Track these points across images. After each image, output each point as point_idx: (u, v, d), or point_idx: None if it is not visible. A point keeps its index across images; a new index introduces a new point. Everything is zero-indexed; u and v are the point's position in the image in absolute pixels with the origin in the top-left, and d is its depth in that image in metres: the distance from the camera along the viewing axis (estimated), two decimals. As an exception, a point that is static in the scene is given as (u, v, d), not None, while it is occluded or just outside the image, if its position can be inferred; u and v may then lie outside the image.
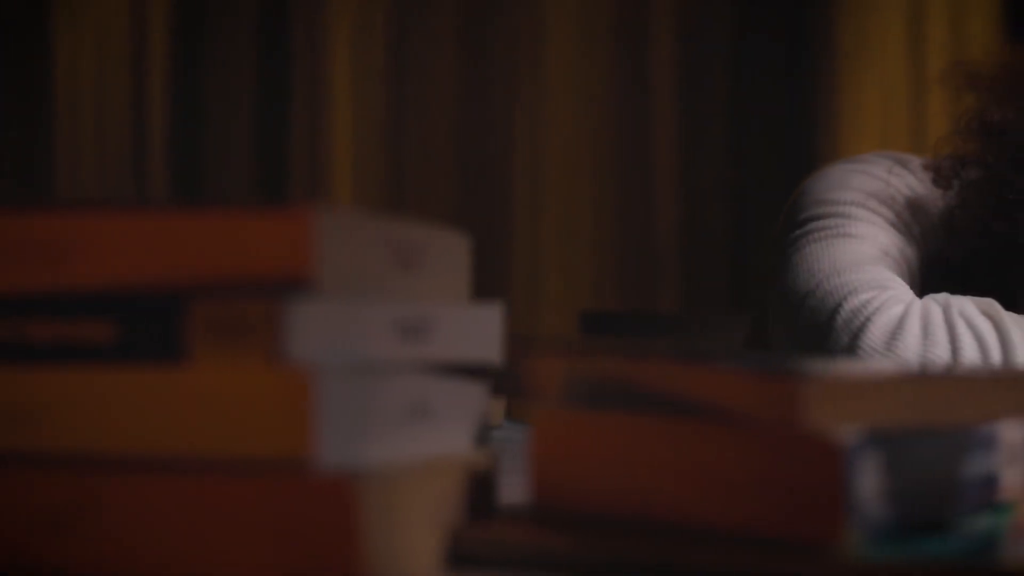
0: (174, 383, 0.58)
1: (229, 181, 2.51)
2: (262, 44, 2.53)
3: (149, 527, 0.58)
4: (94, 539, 0.58)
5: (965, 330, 1.01)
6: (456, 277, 0.71)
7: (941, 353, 1.00)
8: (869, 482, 0.63)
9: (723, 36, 2.58)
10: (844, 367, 0.67)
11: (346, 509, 0.57)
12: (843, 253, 1.10)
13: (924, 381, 0.65)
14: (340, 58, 2.53)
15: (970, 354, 1.00)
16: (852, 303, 1.04)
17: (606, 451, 0.67)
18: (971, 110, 1.16)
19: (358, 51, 2.53)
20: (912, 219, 1.17)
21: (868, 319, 1.02)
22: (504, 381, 0.77)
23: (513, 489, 0.72)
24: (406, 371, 0.64)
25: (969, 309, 1.03)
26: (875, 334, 1.01)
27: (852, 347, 1.01)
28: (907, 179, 1.19)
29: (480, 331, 0.71)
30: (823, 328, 1.04)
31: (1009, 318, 1.04)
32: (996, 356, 1.01)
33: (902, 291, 1.06)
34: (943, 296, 1.05)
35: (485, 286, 2.49)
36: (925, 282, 1.16)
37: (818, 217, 1.16)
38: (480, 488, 0.69)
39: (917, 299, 1.04)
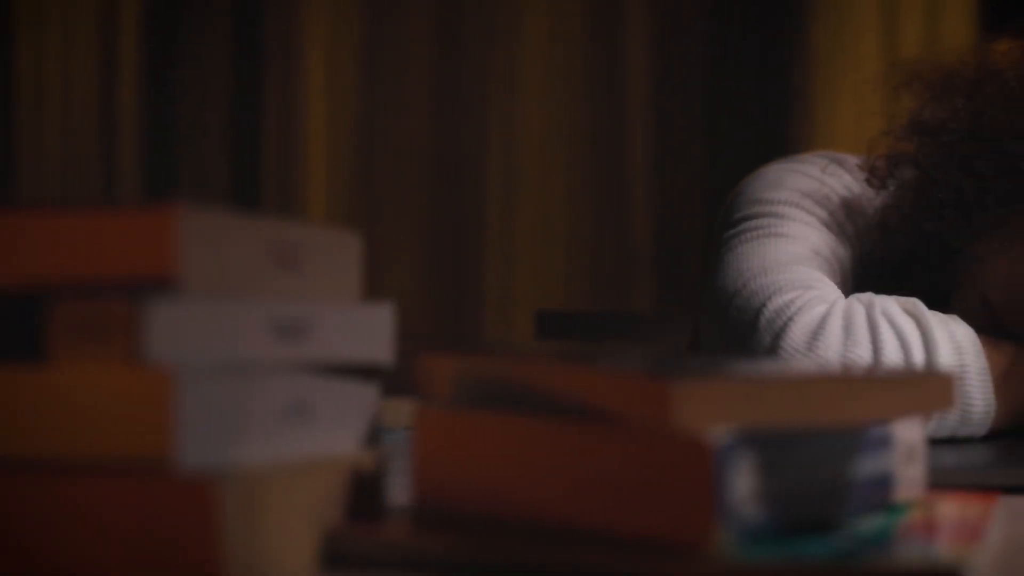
0: (35, 384, 0.58)
1: (202, 180, 2.51)
2: (235, 44, 2.53)
3: (14, 527, 0.58)
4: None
5: (887, 329, 1.01)
6: (343, 277, 0.71)
7: (863, 353, 1.00)
8: (742, 483, 0.62)
9: (698, 35, 2.58)
10: (721, 368, 0.66)
11: (204, 510, 0.57)
12: (772, 253, 1.10)
13: (805, 382, 0.65)
14: (314, 57, 2.53)
15: (892, 353, 1.00)
16: (776, 303, 1.03)
17: (487, 452, 0.66)
18: (906, 110, 1.15)
19: (332, 50, 2.53)
20: (846, 218, 1.17)
21: (790, 319, 1.02)
22: (404, 381, 0.77)
23: (407, 490, 0.72)
24: (283, 371, 0.64)
25: (892, 308, 1.02)
26: (796, 334, 1.01)
27: (774, 347, 1.01)
28: (843, 178, 1.19)
29: (368, 331, 0.71)
30: (747, 328, 1.03)
31: (933, 317, 1.03)
32: (919, 355, 1.01)
33: (827, 291, 1.06)
34: (867, 295, 1.05)
35: (459, 286, 2.48)
36: (860, 282, 1.15)
37: (751, 217, 1.16)
38: (367, 489, 0.69)
39: (841, 299, 1.04)
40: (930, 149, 1.12)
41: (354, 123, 2.54)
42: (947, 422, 1.02)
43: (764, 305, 1.03)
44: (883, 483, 0.73)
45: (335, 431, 0.68)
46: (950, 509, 0.75)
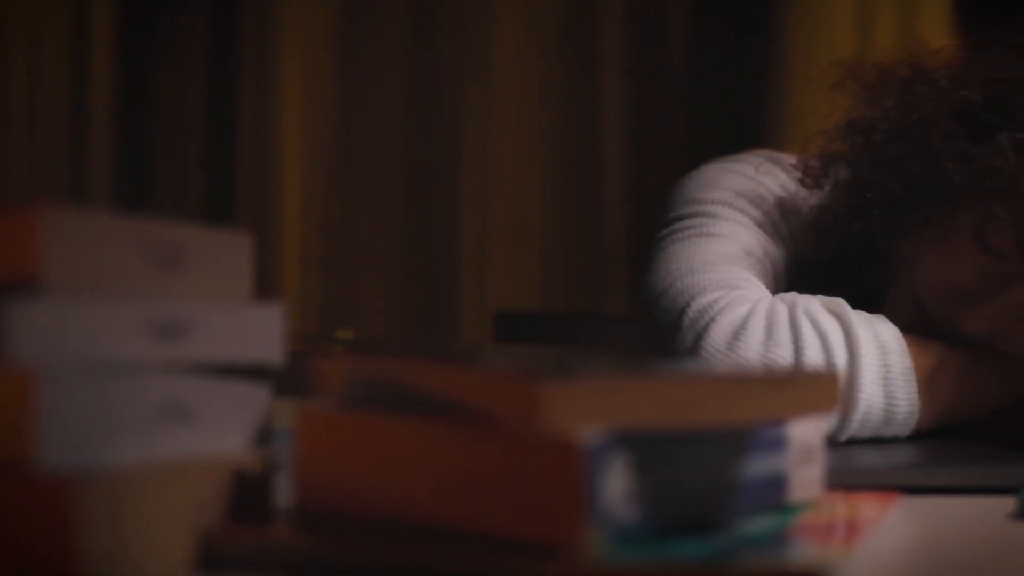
0: None
1: (177, 184, 2.51)
2: (210, 47, 2.53)
3: None
4: None
5: (809, 329, 1.00)
6: (231, 277, 0.71)
7: (784, 353, 0.99)
8: (616, 484, 0.62)
9: (673, 35, 2.57)
10: (602, 368, 0.66)
11: (62, 510, 0.57)
12: (701, 253, 1.09)
13: (680, 383, 0.65)
14: (289, 61, 2.52)
15: (813, 353, 0.99)
16: (699, 303, 1.03)
17: (366, 452, 0.66)
18: (840, 109, 1.15)
19: (306, 54, 2.53)
20: (781, 218, 1.16)
21: (712, 319, 1.01)
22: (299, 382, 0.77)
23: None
24: (159, 371, 0.64)
25: (815, 308, 1.02)
26: (718, 335, 1.00)
27: (696, 348, 1.00)
28: (779, 178, 1.19)
29: (256, 331, 0.70)
30: (672, 328, 1.03)
31: (857, 317, 1.03)
32: (841, 355, 1.00)
33: (752, 291, 1.05)
34: (791, 295, 1.04)
35: (433, 287, 2.48)
36: (795, 281, 1.15)
37: (684, 216, 1.16)
38: (252, 490, 0.68)
39: (766, 299, 1.03)
40: (861, 149, 1.12)
41: (329, 126, 2.54)
42: (871, 422, 1.01)
43: (688, 305, 1.03)
44: (776, 484, 0.73)
45: (218, 432, 0.68)
46: (843, 510, 0.74)
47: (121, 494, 0.59)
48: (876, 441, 1.03)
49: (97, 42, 2.48)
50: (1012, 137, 1.02)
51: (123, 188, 2.48)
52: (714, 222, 1.13)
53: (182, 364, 0.65)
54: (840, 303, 1.03)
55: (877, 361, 1.01)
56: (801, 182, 1.15)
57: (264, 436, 0.71)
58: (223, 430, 0.68)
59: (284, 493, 0.71)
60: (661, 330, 1.04)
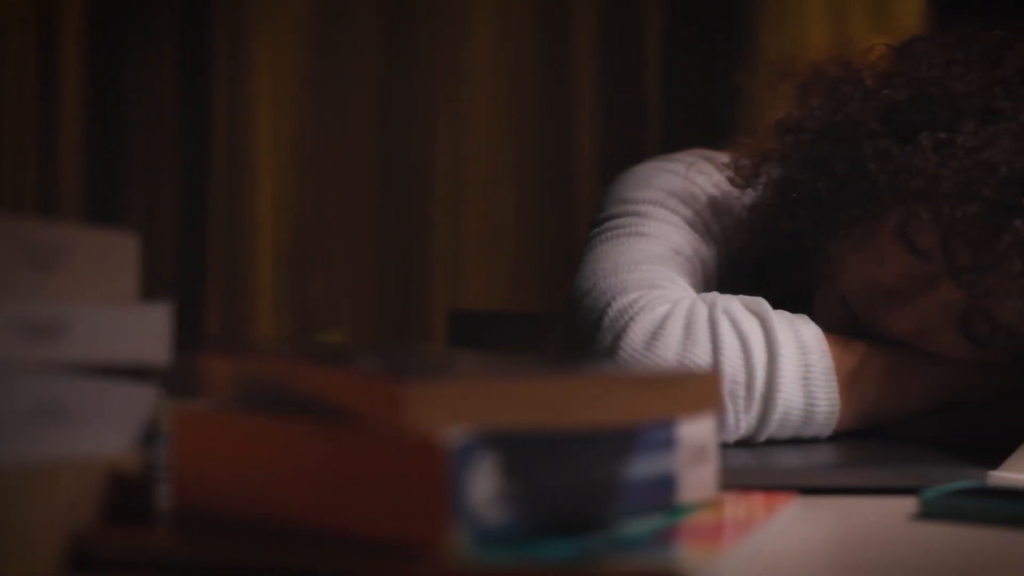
0: None
1: (149, 185, 2.50)
2: (182, 53, 2.52)
3: None
4: None
5: (728, 329, 1.00)
6: (114, 277, 0.70)
7: (701, 353, 0.99)
8: (483, 484, 0.62)
9: (646, 36, 2.57)
10: (465, 370, 0.66)
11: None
12: (628, 252, 1.09)
13: (551, 383, 0.64)
14: (261, 62, 2.52)
15: (732, 353, 0.99)
16: (619, 303, 1.02)
17: (241, 453, 0.66)
18: (773, 109, 1.15)
19: (279, 54, 2.53)
20: (713, 217, 1.16)
21: (631, 319, 1.01)
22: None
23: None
24: (32, 372, 0.64)
25: (735, 308, 1.01)
26: (636, 335, 1.00)
27: (614, 348, 1.00)
28: (713, 177, 1.18)
29: (140, 331, 0.70)
30: (593, 328, 1.02)
31: (777, 316, 1.02)
32: (760, 355, 1.00)
33: (674, 291, 1.05)
34: (712, 295, 1.04)
35: (407, 288, 2.47)
36: (728, 281, 1.14)
37: (615, 216, 1.16)
38: (133, 491, 0.68)
39: (687, 299, 1.03)
40: (790, 148, 1.11)
41: (302, 128, 2.53)
42: (790, 422, 1.01)
43: (608, 305, 1.02)
44: (665, 484, 0.73)
45: (98, 432, 0.67)
46: (733, 510, 0.74)
47: (-18, 495, 0.59)
48: (795, 441, 1.03)
49: (67, 45, 2.47)
50: (933, 137, 1.02)
51: (96, 193, 2.48)
52: (644, 221, 1.13)
53: (58, 365, 0.65)
54: (761, 303, 1.02)
55: (797, 361, 1.01)
56: (732, 181, 1.15)
57: (149, 437, 0.71)
58: (103, 431, 0.68)
59: (167, 494, 0.71)
60: (583, 330, 1.03)
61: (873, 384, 1.04)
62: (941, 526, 0.78)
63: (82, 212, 2.46)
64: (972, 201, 0.99)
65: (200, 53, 2.52)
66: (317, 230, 2.52)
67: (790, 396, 1.00)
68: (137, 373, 0.70)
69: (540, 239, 2.53)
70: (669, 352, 0.99)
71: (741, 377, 0.99)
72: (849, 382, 1.03)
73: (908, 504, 0.83)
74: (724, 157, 1.19)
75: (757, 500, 0.77)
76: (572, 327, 1.06)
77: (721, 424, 0.99)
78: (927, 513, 0.80)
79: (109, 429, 0.68)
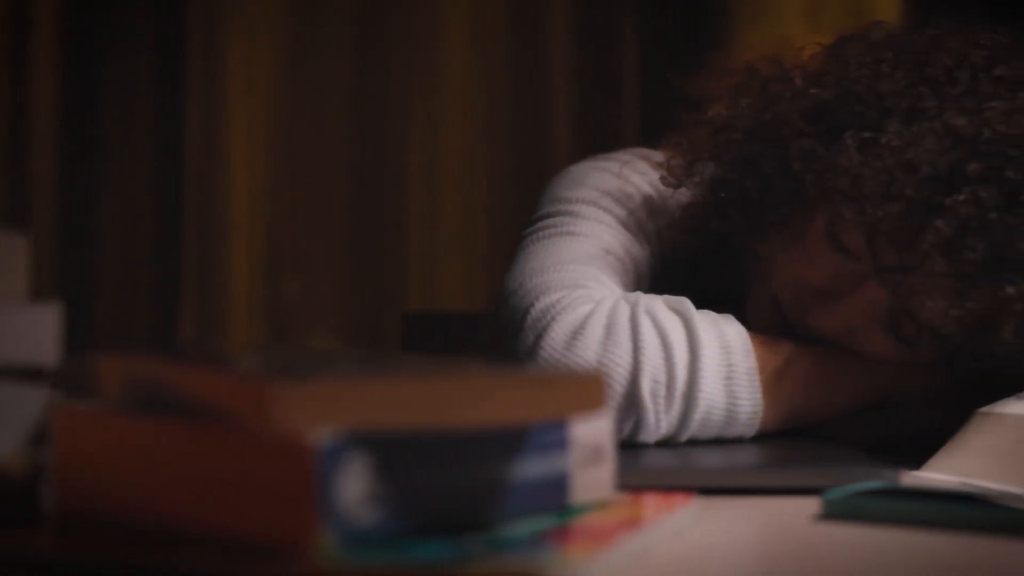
0: None
1: (123, 187, 2.50)
2: (156, 55, 2.52)
3: None
4: None
5: (650, 328, 0.99)
6: (2, 278, 0.70)
7: (622, 353, 0.99)
8: (352, 485, 0.62)
9: (622, 35, 2.57)
10: (337, 370, 0.66)
11: None
12: (556, 252, 1.09)
13: (425, 383, 0.64)
14: (236, 61, 2.52)
15: (653, 353, 0.99)
16: (542, 303, 1.02)
17: (121, 454, 0.66)
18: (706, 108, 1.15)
19: (253, 53, 2.53)
20: (647, 217, 1.16)
21: (553, 319, 1.00)
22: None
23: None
24: (-93, 373, 0.64)
25: (658, 308, 1.01)
26: (556, 335, 0.99)
27: (535, 348, 1.00)
28: (649, 176, 1.18)
29: (27, 333, 0.70)
30: (516, 328, 1.02)
31: (701, 316, 1.02)
32: (681, 355, 0.99)
33: (599, 290, 1.04)
34: (636, 295, 1.03)
35: (382, 289, 2.46)
36: (661, 281, 1.14)
37: (548, 216, 1.15)
38: (16, 493, 0.68)
39: (610, 298, 1.02)
40: (721, 147, 1.11)
41: (276, 128, 2.53)
42: (713, 422, 1.00)
43: (532, 305, 1.02)
44: (557, 485, 0.73)
45: (-21, 433, 0.67)
46: (625, 511, 0.74)
47: None
48: (718, 441, 1.02)
49: (40, 44, 2.48)
50: (858, 136, 1.02)
51: (69, 194, 2.48)
52: (576, 221, 1.13)
53: (-64, 366, 0.65)
54: (684, 302, 1.02)
55: (720, 360, 1.01)
56: (664, 181, 1.15)
57: (38, 438, 0.71)
58: (-15, 432, 0.68)
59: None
60: (508, 330, 1.03)
61: (799, 384, 1.04)
62: (842, 527, 0.78)
63: (55, 214, 2.46)
64: (894, 201, 0.98)
65: (174, 54, 2.52)
66: (292, 231, 2.52)
67: (712, 396, 1.00)
68: (27, 374, 0.70)
69: (516, 240, 2.53)
70: (589, 352, 0.98)
71: (662, 376, 0.99)
72: (774, 382, 1.03)
73: (815, 505, 0.82)
74: (661, 156, 1.18)
75: (653, 501, 0.77)
76: (499, 327, 1.05)
77: (642, 424, 0.99)
78: (830, 514, 0.80)
79: (-8, 430, 0.68)
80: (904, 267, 0.99)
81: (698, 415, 1.00)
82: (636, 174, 1.18)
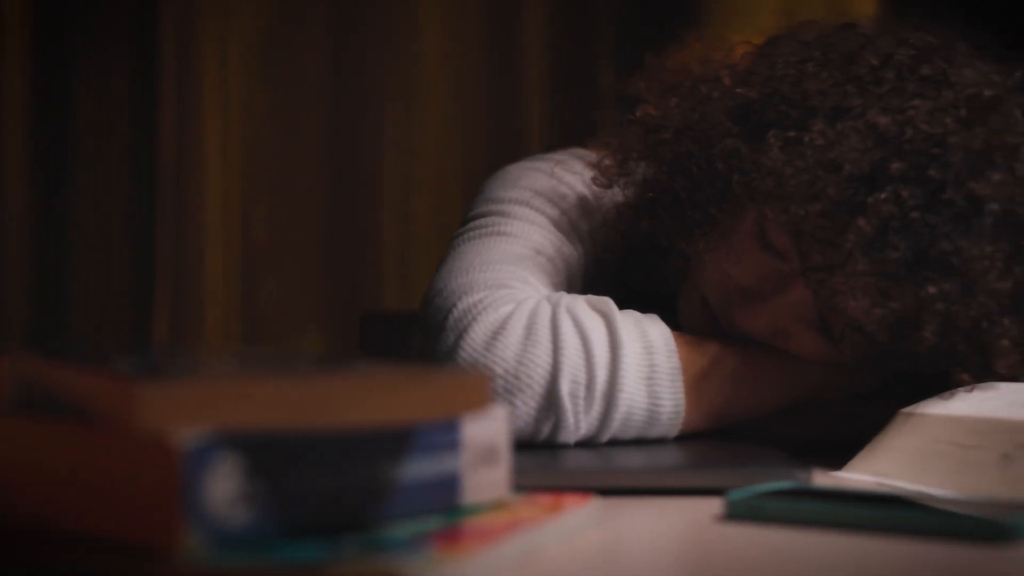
0: None
1: (97, 186, 2.50)
2: (131, 48, 2.52)
3: None
4: None
5: (570, 328, 0.99)
6: None
7: (541, 353, 0.98)
8: (221, 486, 0.61)
9: (598, 32, 2.56)
10: (208, 370, 0.66)
11: None
12: (484, 252, 1.08)
13: (297, 384, 0.64)
14: (210, 59, 2.52)
15: (573, 353, 0.98)
16: (464, 303, 1.02)
17: (4, 454, 0.66)
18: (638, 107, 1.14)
19: (227, 52, 2.52)
20: (581, 217, 1.15)
21: (474, 319, 1.00)
22: None
23: None
24: None
25: (579, 308, 1.01)
26: (477, 335, 0.99)
27: (455, 348, 0.99)
28: (585, 176, 1.18)
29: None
30: (438, 328, 1.02)
31: (624, 316, 1.01)
32: (602, 354, 0.99)
33: (522, 290, 1.04)
34: (558, 295, 1.03)
35: (356, 292, 2.46)
36: (595, 281, 1.14)
37: (480, 216, 1.15)
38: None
39: (532, 299, 1.02)
40: (651, 147, 1.11)
41: (250, 127, 2.53)
42: (634, 422, 1.00)
43: (454, 305, 1.02)
44: (447, 486, 0.72)
45: None
46: (517, 512, 0.74)
47: None
48: (639, 442, 1.02)
49: (12, 47, 2.47)
50: (781, 135, 1.01)
51: (42, 199, 2.48)
52: (507, 221, 1.13)
53: None
54: (607, 302, 1.02)
55: (642, 361, 1.00)
56: (595, 181, 1.14)
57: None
58: None
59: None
60: (431, 330, 1.02)
61: (725, 384, 1.03)
62: (743, 527, 0.78)
63: (27, 218, 2.46)
64: (817, 200, 0.98)
65: (148, 56, 2.52)
66: (266, 232, 2.52)
67: (633, 396, 0.99)
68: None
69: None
70: (509, 352, 0.98)
71: (582, 377, 0.98)
72: (699, 382, 1.02)
73: (720, 505, 0.82)
74: (595, 156, 1.18)
75: (547, 501, 0.76)
76: (423, 328, 1.05)
77: (561, 424, 0.98)
78: (732, 514, 0.80)
79: None
80: (827, 266, 0.99)
81: (619, 415, 0.99)
82: (570, 174, 1.18)
